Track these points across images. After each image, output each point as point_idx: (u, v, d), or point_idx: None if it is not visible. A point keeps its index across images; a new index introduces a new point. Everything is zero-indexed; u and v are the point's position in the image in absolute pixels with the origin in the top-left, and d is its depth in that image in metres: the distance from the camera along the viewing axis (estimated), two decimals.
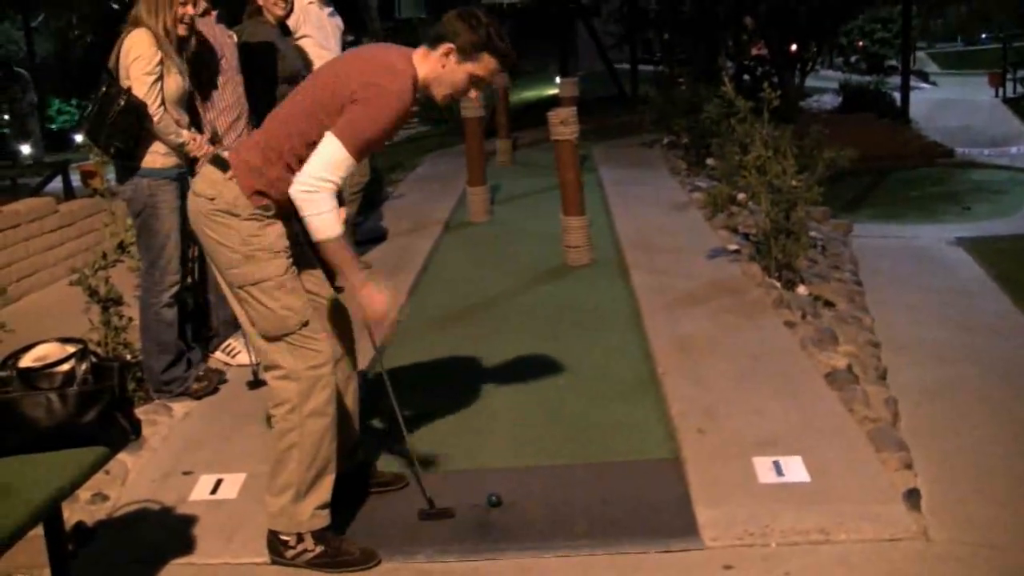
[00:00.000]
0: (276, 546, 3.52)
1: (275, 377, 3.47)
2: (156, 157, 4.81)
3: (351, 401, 3.84)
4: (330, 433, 3.49)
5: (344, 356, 3.78)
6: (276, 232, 3.44)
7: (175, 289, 4.96)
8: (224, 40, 5.35)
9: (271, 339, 3.45)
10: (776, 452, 3.99)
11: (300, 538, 3.49)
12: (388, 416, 3.96)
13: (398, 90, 3.35)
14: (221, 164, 3.43)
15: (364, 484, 3.98)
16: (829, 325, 5.64)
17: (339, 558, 3.50)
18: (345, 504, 3.76)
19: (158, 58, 4.68)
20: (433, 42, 3.47)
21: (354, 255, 3.51)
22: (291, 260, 3.48)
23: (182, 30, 4.78)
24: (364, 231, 8.33)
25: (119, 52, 4.72)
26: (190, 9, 4.78)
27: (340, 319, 3.78)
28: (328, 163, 3.26)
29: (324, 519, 3.53)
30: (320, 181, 3.24)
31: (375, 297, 3.42)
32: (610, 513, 3.74)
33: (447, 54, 3.44)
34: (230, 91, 5.33)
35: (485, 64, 3.48)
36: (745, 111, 6.57)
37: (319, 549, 3.49)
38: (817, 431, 4.18)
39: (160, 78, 4.70)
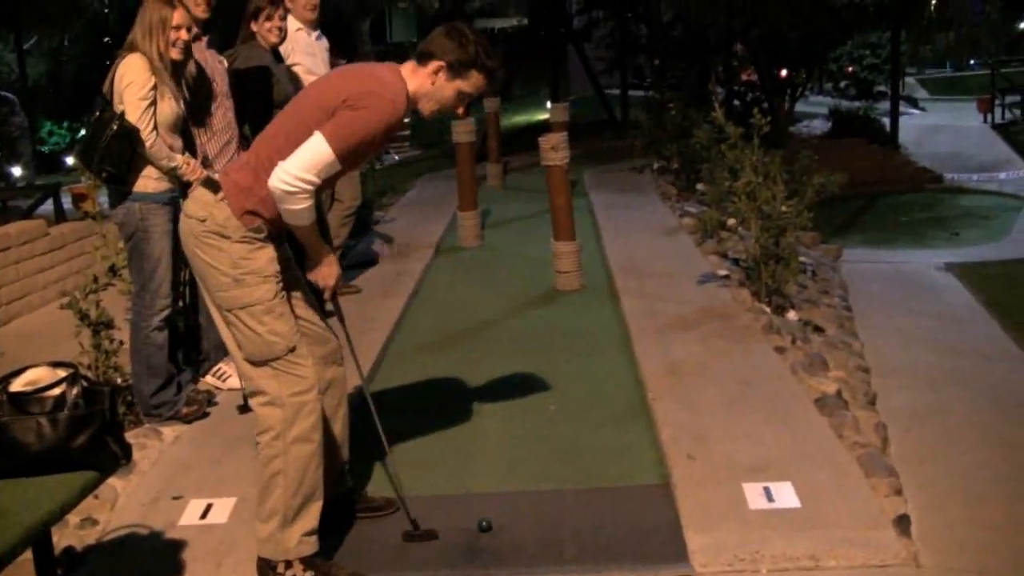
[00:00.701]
0: (265, 572, 3.50)
1: (260, 403, 3.46)
2: (148, 181, 4.82)
3: (340, 427, 3.84)
4: (316, 460, 3.47)
5: (333, 382, 3.78)
6: (267, 256, 3.45)
7: (166, 313, 4.95)
8: (215, 65, 5.37)
9: (257, 364, 3.45)
10: (766, 478, 4.00)
11: (288, 564, 3.47)
12: (375, 439, 3.96)
13: (392, 98, 3.38)
14: (212, 186, 3.45)
15: (352, 510, 3.97)
16: (819, 350, 5.66)
17: None
18: (333, 529, 3.75)
19: (151, 83, 4.70)
20: (421, 58, 3.50)
21: (319, 237, 3.57)
22: (281, 285, 3.48)
23: (175, 54, 4.79)
24: (355, 255, 8.35)
25: (113, 76, 4.74)
26: (183, 34, 4.80)
27: (330, 344, 3.78)
28: (310, 162, 3.28)
29: (312, 546, 3.51)
30: (300, 181, 3.26)
31: (331, 268, 3.65)
32: (600, 538, 3.73)
33: (437, 71, 3.48)
34: (220, 116, 5.34)
35: (474, 81, 3.53)
36: (735, 137, 6.61)
37: (308, 575, 3.48)
38: (807, 457, 4.19)
39: (153, 103, 4.71)
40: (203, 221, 3.40)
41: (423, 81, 3.49)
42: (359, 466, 4.19)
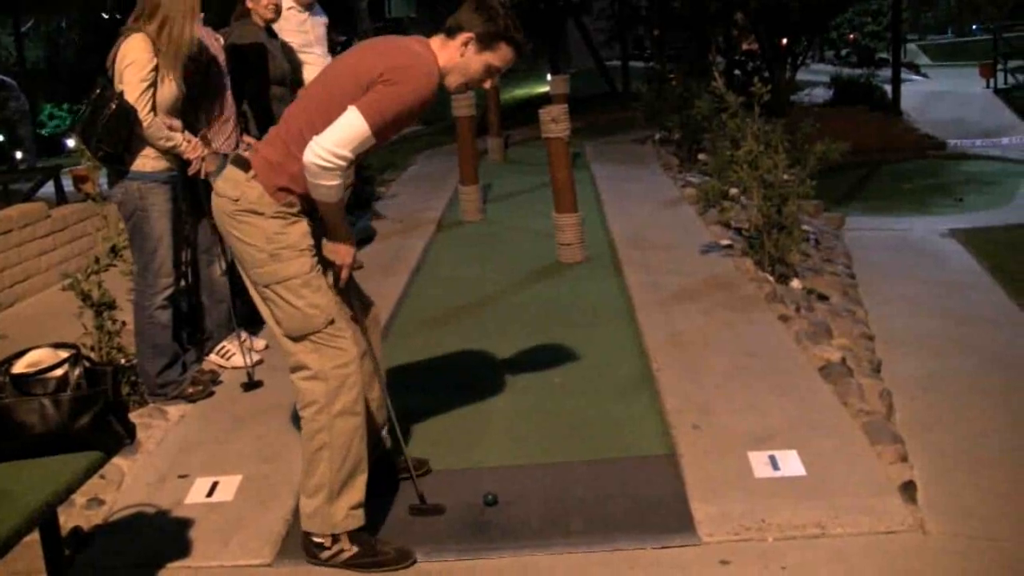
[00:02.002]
0: (310, 548, 3.51)
1: (302, 378, 3.47)
2: (147, 160, 4.81)
3: (377, 395, 3.86)
4: (360, 432, 3.48)
5: (369, 352, 3.80)
6: (300, 231, 3.45)
7: (169, 291, 4.95)
8: (212, 43, 5.35)
9: (297, 339, 3.45)
10: (771, 447, 4.00)
11: (335, 539, 3.48)
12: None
13: (427, 72, 3.39)
14: (243, 164, 3.46)
15: (393, 470, 4.01)
16: (823, 318, 5.65)
17: (376, 558, 3.49)
18: (376, 492, 3.74)
19: (153, 64, 4.68)
20: (451, 32, 3.50)
21: (344, 215, 3.58)
22: (316, 258, 3.49)
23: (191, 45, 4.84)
24: (357, 231, 8.32)
25: (115, 55, 4.72)
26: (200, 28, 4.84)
27: (364, 315, 3.80)
28: (347, 136, 3.27)
29: (358, 519, 3.51)
30: (335, 158, 3.25)
31: (349, 247, 3.60)
32: (606, 510, 3.74)
33: (466, 43, 3.48)
34: (219, 95, 5.32)
35: (502, 54, 3.54)
36: (736, 106, 6.57)
37: (355, 549, 3.48)
38: (812, 425, 4.18)
39: (153, 84, 4.70)
40: (236, 200, 3.42)
41: (452, 54, 3.50)
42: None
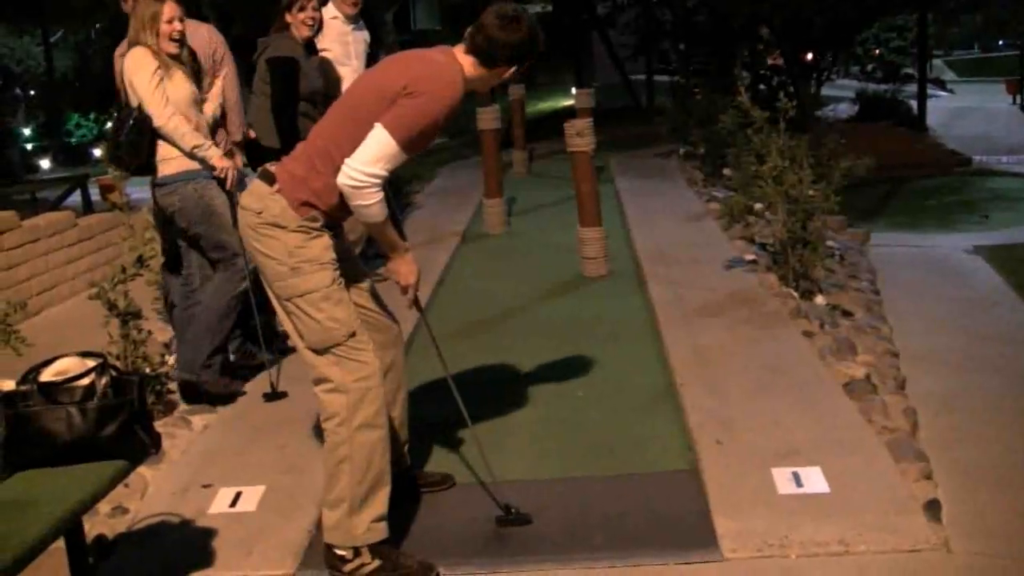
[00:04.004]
0: (333, 560, 3.51)
1: (324, 391, 3.48)
2: (184, 160, 4.86)
3: (400, 410, 3.89)
4: (382, 445, 3.48)
5: (393, 366, 3.81)
6: (322, 244, 3.47)
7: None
8: (215, 38, 5.39)
9: (319, 352, 3.46)
10: (795, 463, 3.98)
11: (357, 552, 3.47)
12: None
13: (450, 81, 3.41)
14: (267, 178, 3.48)
15: (414, 487, 4.03)
16: (847, 335, 5.62)
17: (397, 571, 3.48)
18: (396, 504, 3.71)
19: (155, 66, 4.78)
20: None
21: (395, 233, 3.61)
22: (337, 272, 3.49)
23: (171, 47, 4.84)
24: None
25: (121, 74, 4.81)
26: (177, 25, 4.86)
27: (391, 331, 3.81)
28: (376, 155, 3.29)
29: (380, 532, 3.50)
30: (367, 176, 3.28)
31: (409, 266, 3.70)
32: (628, 525, 3.73)
33: None
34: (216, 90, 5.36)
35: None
36: (761, 121, 6.56)
37: (376, 563, 3.47)
38: (836, 442, 4.16)
39: (161, 82, 4.76)
40: (259, 213, 3.44)
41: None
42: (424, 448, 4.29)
